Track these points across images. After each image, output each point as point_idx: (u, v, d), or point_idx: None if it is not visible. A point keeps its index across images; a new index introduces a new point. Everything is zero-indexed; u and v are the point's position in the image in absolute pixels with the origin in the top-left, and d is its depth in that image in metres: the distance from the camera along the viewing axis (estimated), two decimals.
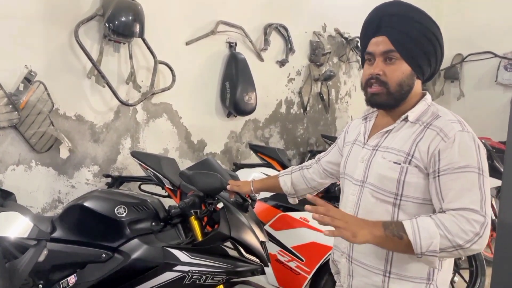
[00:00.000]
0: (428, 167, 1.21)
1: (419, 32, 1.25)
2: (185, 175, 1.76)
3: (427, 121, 1.26)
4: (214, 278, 1.69)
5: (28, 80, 2.38)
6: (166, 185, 2.38)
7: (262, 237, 1.83)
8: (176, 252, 1.70)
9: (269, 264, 1.82)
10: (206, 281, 1.68)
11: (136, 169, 2.88)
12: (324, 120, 4.36)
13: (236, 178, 2.09)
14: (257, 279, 2.17)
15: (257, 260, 1.78)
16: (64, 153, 2.61)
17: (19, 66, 2.36)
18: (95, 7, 2.59)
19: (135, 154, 2.42)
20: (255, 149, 3.22)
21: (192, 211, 1.78)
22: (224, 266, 1.71)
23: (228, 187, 1.77)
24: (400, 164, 1.23)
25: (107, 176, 2.69)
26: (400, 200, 1.24)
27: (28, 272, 1.31)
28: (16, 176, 2.43)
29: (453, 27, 5.67)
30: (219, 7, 3.27)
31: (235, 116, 3.46)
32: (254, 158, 3.42)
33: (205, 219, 1.90)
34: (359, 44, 1.48)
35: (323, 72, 4.04)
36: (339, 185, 2.47)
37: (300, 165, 1.79)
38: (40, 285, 1.79)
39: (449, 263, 1.31)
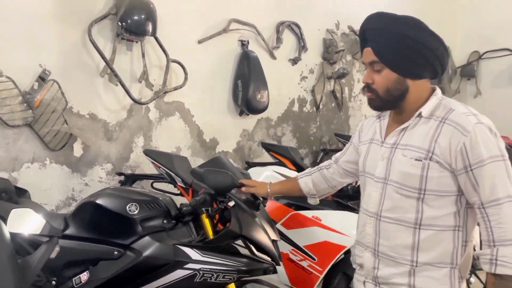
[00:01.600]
0: (452, 163, 1.27)
1: (397, 41, 1.32)
2: (196, 173, 1.76)
3: (442, 116, 1.31)
4: (225, 277, 1.68)
5: (42, 78, 2.40)
6: (178, 183, 2.38)
7: (274, 236, 1.82)
8: (187, 250, 1.70)
9: (280, 263, 1.80)
10: (217, 279, 1.67)
11: (149, 167, 2.89)
12: (337, 118, 4.33)
13: (247, 176, 2.09)
14: (269, 277, 2.15)
15: (269, 259, 1.77)
16: (77, 151, 2.63)
17: (34, 65, 2.39)
18: (108, 6, 2.61)
19: (148, 152, 2.43)
20: (267, 147, 3.21)
21: (203, 209, 1.77)
22: (235, 264, 1.70)
23: (243, 188, 1.78)
24: (421, 160, 1.30)
25: (120, 174, 2.70)
26: (424, 194, 1.31)
27: (39, 268, 1.32)
28: (31, 173, 2.46)
29: (470, 24, 5.58)
30: (232, 5, 3.26)
31: (247, 115, 3.45)
32: (266, 157, 3.41)
33: (217, 217, 1.90)
34: None
35: (336, 70, 4.01)
36: (351, 183, 2.44)
37: (317, 167, 1.82)
38: (54, 282, 1.80)
39: (469, 249, 1.37)
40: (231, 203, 1.84)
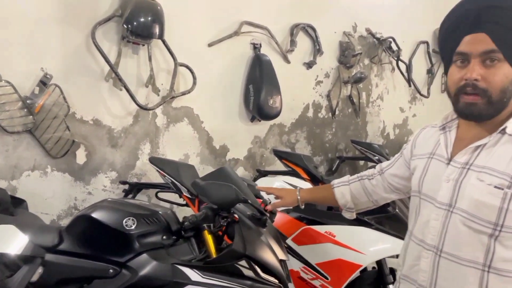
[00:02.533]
0: None
1: None
2: (197, 186, 1.62)
3: None
4: None
5: (43, 83, 2.31)
6: (184, 193, 2.26)
7: (282, 255, 1.67)
8: (186, 270, 1.56)
9: (288, 284, 1.65)
10: None
11: (155, 176, 2.77)
12: (354, 124, 4.15)
13: (254, 186, 1.95)
14: None
15: (276, 281, 1.62)
16: (80, 158, 2.53)
17: (35, 69, 2.30)
18: (113, 7, 2.50)
19: (153, 160, 2.31)
20: (279, 155, 3.05)
21: (205, 225, 1.63)
22: (239, 287, 1.55)
23: (268, 207, 1.62)
24: (503, 189, 1.05)
25: (123, 182, 2.60)
26: (500, 231, 1.06)
27: None
28: (31, 182, 2.37)
29: None
30: (243, 7, 3.13)
31: (259, 121, 3.31)
32: (279, 165, 3.26)
33: (221, 232, 1.76)
34: (439, 42, 1.24)
35: (353, 74, 3.84)
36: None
37: (357, 175, 1.58)
38: None
39: None
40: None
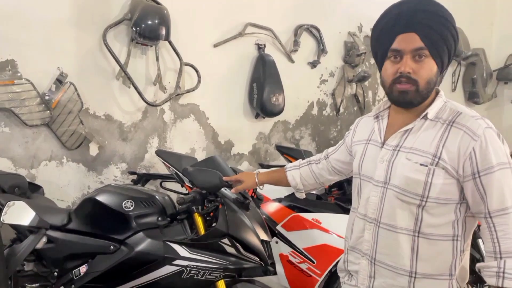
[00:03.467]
0: (459, 169, 1.21)
1: (446, 28, 1.24)
2: (187, 172, 1.80)
3: (449, 119, 1.25)
4: (212, 274, 1.72)
5: (59, 81, 2.54)
6: (186, 183, 2.44)
7: (264, 236, 1.83)
8: (176, 246, 1.75)
9: (269, 262, 1.81)
10: (204, 277, 1.71)
11: (163, 167, 2.97)
12: None
13: None
14: (269, 279, 2.16)
15: (257, 259, 1.78)
16: (93, 150, 2.75)
17: (52, 68, 2.53)
18: (124, 11, 2.72)
19: (159, 153, 2.50)
20: (281, 150, 3.21)
21: (194, 207, 1.81)
22: (222, 262, 1.73)
23: (233, 189, 1.78)
24: (427, 166, 1.23)
25: (132, 173, 2.80)
26: (426, 201, 1.24)
27: (24, 256, 1.42)
28: (48, 171, 2.60)
29: (506, 25, 5.33)
30: (248, 9, 3.30)
31: (263, 118, 3.47)
32: (283, 160, 3.41)
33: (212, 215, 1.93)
34: (372, 40, 1.42)
35: (357, 73, 3.95)
36: None
37: (308, 159, 1.77)
38: (55, 273, 1.91)
39: (465, 259, 1.33)
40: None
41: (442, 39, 1.23)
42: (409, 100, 1.26)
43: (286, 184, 1.76)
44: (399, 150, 1.30)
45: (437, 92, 1.32)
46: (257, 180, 1.76)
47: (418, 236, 1.27)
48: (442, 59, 1.25)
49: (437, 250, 1.26)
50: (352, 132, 1.57)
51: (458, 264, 1.29)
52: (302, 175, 1.73)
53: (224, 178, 1.76)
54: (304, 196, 1.78)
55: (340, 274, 1.53)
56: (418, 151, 1.26)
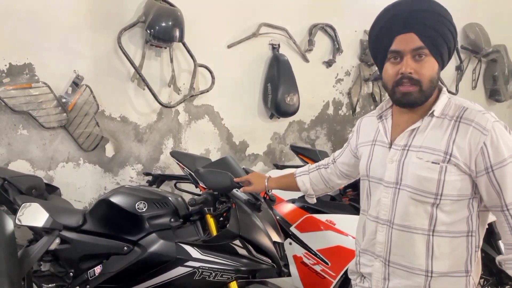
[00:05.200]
0: (471, 164, 1.20)
1: (443, 25, 1.23)
2: (198, 173, 1.80)
3: (456, 115, 1.24)
4: (224, 276, 1.72)
5: (76, 84, 2.58)
6: (200, 184, 2.45)
7: (276, 238, 1.82)
8: (188, 248, 1.75)
9: (281, 264, 1.80)
10: (216, 278, 1.71)
11: (178, 168, 2.99)
12: None
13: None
14: (282, 280, 2.15)
15: (269, 260, 1.78)
16: (109, 152, 2.79)
17: (68, 71, 2.58)
18: (138, 14, 2.74)
19: (174, 154, 2.52)
20: (296, 150, 3.19)
21: (205, 208, 1.81)
22: (234, 264, 1.73)
23: (241, 189, 1.78)
24: (439, 163, 1.22)
25: (147, 174, 2.82)
26: (440, 199, 1.23)
27: (38, 257, 1.44)
28: (66, 172, 2.65)
29: None
30: (262, 10, 3.29)
31: (278, 118, 3.46)
32: (298, 160, 3.40)
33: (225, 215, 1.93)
34: (370, 43, 1.38)
35: (373, 72, 3.90)
36: None
37: (316, 164, 1.75)
38: (71, 273, 1.94)
39: (479, 255, 1.33)
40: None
41: (440, 36, 1.22)
42: (413, 101, 1.25)
43: (296, 189, 1.74)
44: (408, 150, 1.28)
45: (440, 89, 1.31)
46: (266, 185, 1.74)
47: (433, 235, 1.26)
48: (442, 56, 1.25)
49: (453, 247, 1.26)
50: (355, 134, 1.54)
51: (473, 260, 1.28)
52: (312, 180, 1.71)
53: (235, 179, 1.75)
54: (315, 201, 1.76)
55: (351, 276, 1.51)
56: (429, 149, 1.24)
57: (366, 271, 1.42)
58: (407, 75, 1.23)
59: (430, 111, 1.26)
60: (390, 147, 1.33)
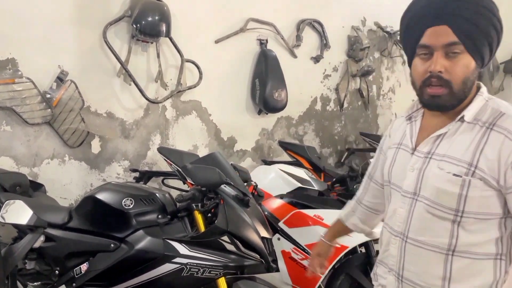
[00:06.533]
0: (500, 179, 1.05)
1: (485, 18, 1.07)
2: (186, 169, 1.79)
3: (489, 121, 1.09)
4: (212, 272, 1.71)
5: (60, 79, 2.54)
6: (188, 180, 2.43)
7: (264, 233, 1.82)
8: (175, 244, 1.74)
9: (270, 259, 1.79)
10: (204, 274, 1.70)
11: (165, 165, 2.96)
12: (364, 117, 4.23)
13: (246, 173, 2.10)
14: (271, 276, 2.15)
15: (257, 256, 1.77)
16: (95, 148, 2.75)
17: (53, 66, 2.53)
18: (124, 8, 2.70)
19: (161, 150, 2.50)
20: (284, 146, 3.20)
21: (193, 204, 1.80)
22: (222, 260, 1.72)
23: (317, 268, 1.61)
24: (461, 176, 1.07)
25: (134, 170, 2.79)
26: (461, 217, 1.09)
27: (22, 256, 1.41)
28: (51, 169, 2.61)
29: None
30: (249, 5, 3.27)
31: (266, 114, 3.45)
32: (286, 156, 3.40)
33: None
34: (400, 34, 1.25)
35: (361, 67, 3.92)
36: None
37: (356, 199, 1.53)
38: (57, 271, 1.91)
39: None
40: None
41: (480, 31, 1.06)
42: (442, 104, 1.11)
43: (349, 232, 1.57)
44: (431, 158, 1.15)
45: (478, 88, 1.15)
46: (329, 243, 1.58)
47: (452, 255, 1.12)
48: (481, 54, 1.09)
49: (476, 270, 1.11)
50: (387, 137, 1.39)
51: (500, 285, 1.12)
52: (361, 218, 1.52)
53: (311, 256, 1.61)
54: (377, 237, 1.51)
55: (374, 283, 1.40)
56: (452, 159, 1.10)
57: (382, 283, 1.32)
58: (436, 74, 1.08)
59: (460, 116, 1.11)
60: (413, 153, 1.20)
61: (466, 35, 1.06)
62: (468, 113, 1.10)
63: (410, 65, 1.19)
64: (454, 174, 1.08)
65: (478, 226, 1.09)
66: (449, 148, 1.12)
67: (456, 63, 1.07)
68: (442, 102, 1.10)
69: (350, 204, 1.56)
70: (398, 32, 4.04)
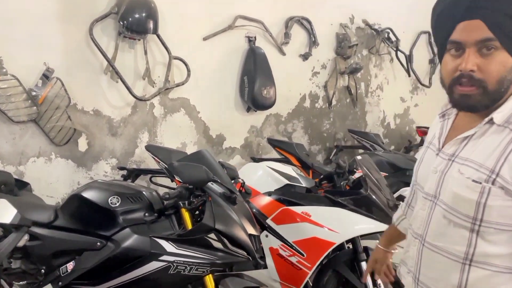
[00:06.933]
0: None
1: None
2: (173, 167, 1.78)
3: None
4: (199, 269, 1.70)
5: (46, 76, 2.51)
6: (176, 178, 2.42)
7: (251, 230, 1.81)
8: (162, 242, 1.73)
9: (257, 256, 1.79)
10: (191, 272, 1.70)
11: (153, 162, 2.95)
12: (352, 114, 4.25)
13: (234, 171, 2.10)
14: (259, 272, 2.16)
15: (244, 253, 1.77)
16: (82, 146, 2.73)
17: (38, 63, 2.50)
18: (110, 5, 2.68)
19: (149, 148, 2.49)
20: (273, 143, 3.20)
21: (180, 202, 1.79)
22: (209, 257, 1.71)
23: (380, 279, 1.57)
24: (481, 183, 0.99)
25: (121, 168, 2.77)
26: (480, 226, 1.01)
27: (6, 254, 1.40)
28: (37, 167, 2.58)
29: None
30: (237, 2, 3.27)
31: (255, 111, 3.45)
32: (275, 153, 3.40)
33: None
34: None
35: (349, 65, 3.93)
36: (348, 180, 2.38)
37: (406, 202, 1.44)
38: (43, 270, 1.89)
39: None
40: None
41: None
42: (472, 104, 1.02)
43: (402, 237, 1.47)
44: (453, 161, 1.07)
45: None
46: (386, 250, 1.52)
47: (470, 265, 1.04)
48: None
49: (495, 283, 1.03)
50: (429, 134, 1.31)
51: None
52: None
53: (375, 270, 1.53)
54: None
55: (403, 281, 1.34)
56: (475, 164, 1.02)
57: (404, 282, 1.26)
58: (467, 74, 0.99)
59: (489, 118, 1.02)
60: (438, 154, 1.13)
61: (502, 29, 0.96)
62: (499, 115, 1.01)
63: (440, 61, 1.10)
64: (474, 180, 1.00)
65: (499, 237, 1.01)
66: (473, 152, 1.04)
67: (490, 60, 0.98)
68: (472, 102, 1.01)
69: (402, 206, 1.47)
70: (386, 30, 4.12)
